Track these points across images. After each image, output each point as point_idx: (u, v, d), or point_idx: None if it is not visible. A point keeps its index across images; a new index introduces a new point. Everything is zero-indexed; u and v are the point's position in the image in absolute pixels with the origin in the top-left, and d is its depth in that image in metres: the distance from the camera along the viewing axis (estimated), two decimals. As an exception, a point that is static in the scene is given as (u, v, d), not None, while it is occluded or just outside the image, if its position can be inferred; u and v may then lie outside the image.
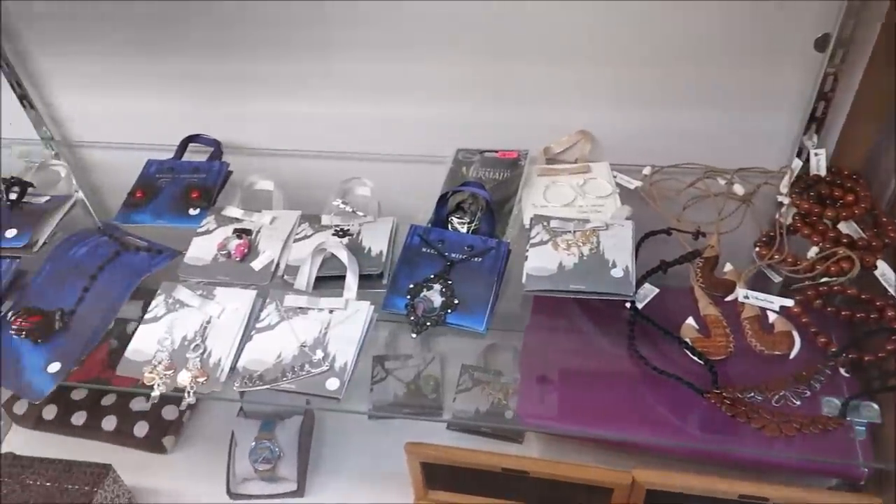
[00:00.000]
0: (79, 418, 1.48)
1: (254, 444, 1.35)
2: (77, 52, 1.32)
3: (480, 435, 1.35)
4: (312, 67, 1.26)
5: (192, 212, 1.18)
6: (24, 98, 1.33)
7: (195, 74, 1.31)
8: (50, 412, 1.50)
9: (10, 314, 1.02)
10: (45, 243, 1.16)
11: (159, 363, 0.97)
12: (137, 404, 1.48)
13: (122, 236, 1.15)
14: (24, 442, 1.50)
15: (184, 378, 0.95)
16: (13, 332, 1.01)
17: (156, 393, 0.95)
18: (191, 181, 1.23)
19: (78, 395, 1.53)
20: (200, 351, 0.98)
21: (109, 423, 1.47)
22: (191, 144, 1.33)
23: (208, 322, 1.01)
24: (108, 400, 1.51)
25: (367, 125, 1.29)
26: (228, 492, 1.35)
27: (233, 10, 1.21)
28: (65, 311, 1.05)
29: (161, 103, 1.36)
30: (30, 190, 1.21)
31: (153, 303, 1.04)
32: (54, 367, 1.00)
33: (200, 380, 0.95)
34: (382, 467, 1.33)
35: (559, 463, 1.07)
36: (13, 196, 1.20)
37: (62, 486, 1.24)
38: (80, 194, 1.24)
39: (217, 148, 1.30)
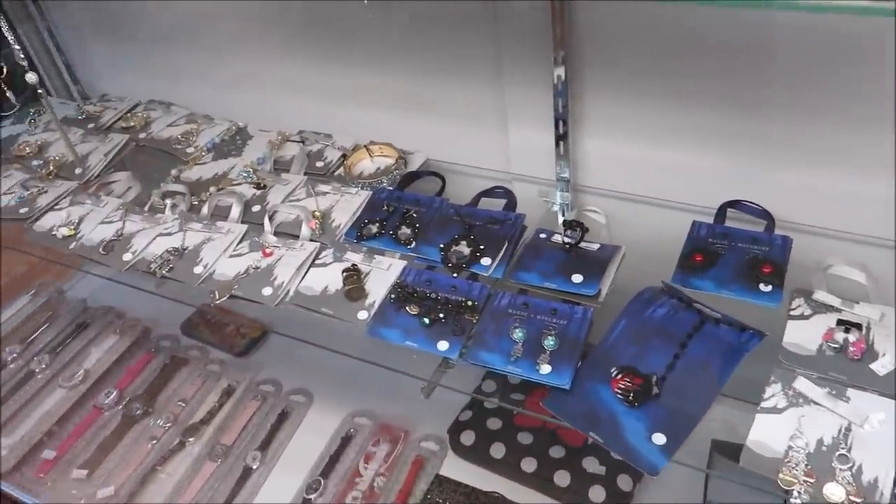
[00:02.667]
0: (529, 465, 1.44)
1: (739, 546, 1.21)
2: (622, 98, 1.29)
3: None
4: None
5: (763, 287, 1.07)
6: (561, 138, 1.32)
7: (732, 133, 1.23)
8: (498, 451, 1.48)
9: (613, 371, 0.97)
10: (606, 294, 1.11)
11: (796, 465, 0.85)
12: (591, 465, 1.41)
13: (691, 302, 1.07)
14: (460, 475, 1.48)
15: (834, 493, 0.83)
16: (618, 391, 0.96)
17: (797, 501, 0.83)
18: (753, 252, 1.13)
19: (525, 439, 1.49)
20: (849, 464, 0.84)
21: (562, 478, 1.41)
22: (729, 210, 1.23)
23: (847, 429, 0.88)
24: (556, 452, 1.45)
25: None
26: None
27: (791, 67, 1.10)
28: (658, 376, 0.98)
29: (691, 160, 1.29)
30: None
31: (768, 391, 0.93)
32: (659, 438, 0.93)
33: (856, 500, 0.82)
34: None
35: None
36: (570, 239, 1.17)
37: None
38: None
39: (770, 219, 1.19)
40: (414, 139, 1.52)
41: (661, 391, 0.97)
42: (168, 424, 1.68)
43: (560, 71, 1.24)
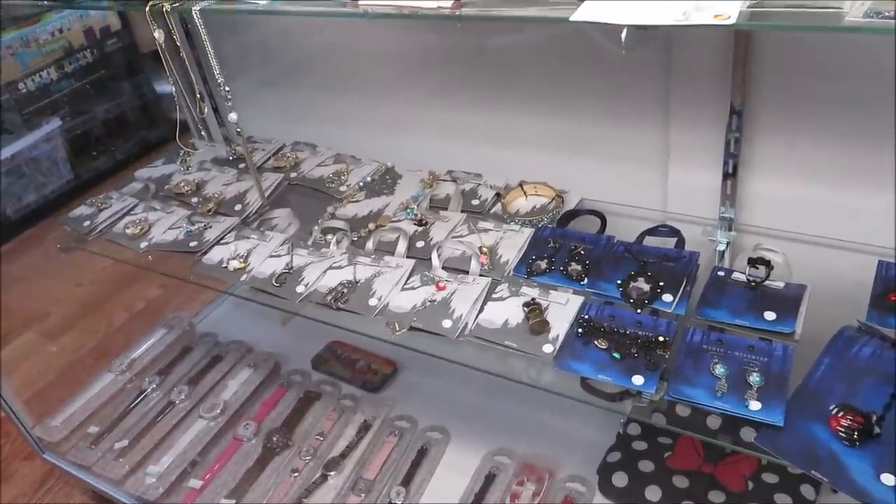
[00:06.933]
0: (689, 509, 1.41)
1: None
2: (795, 138, 1.30)
3: None
4: None
5: (969, 329, 1.05)
6: (728, 177, 1.34)
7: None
8: (654, 494, 1.46)
9: (833, 408, 0.96)
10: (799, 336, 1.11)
11: None
12: (760, 511, 1.37)
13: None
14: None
15: None
16: (839, 430, 0.94)
17: None
18: (952, 293, 1.11)
19: (681, 482, 1.46)
20: None
21: (727, 523, 1.37)
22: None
23: None
24: (716, 497, 1.43)
25: None
26: None
27: None
28: (876, 415, 0.96)
29: (865, 199, 1.29)
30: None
31: None
32: (889, 479, 0.90)
33: None
34: None
35: None
36: (755, 277, 1.17)
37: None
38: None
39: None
40: (565, 178, 1.55)
41: (881, 431, 0.94)
42: (308, 458, 1.71)
43: (736, 112, 1.26)
